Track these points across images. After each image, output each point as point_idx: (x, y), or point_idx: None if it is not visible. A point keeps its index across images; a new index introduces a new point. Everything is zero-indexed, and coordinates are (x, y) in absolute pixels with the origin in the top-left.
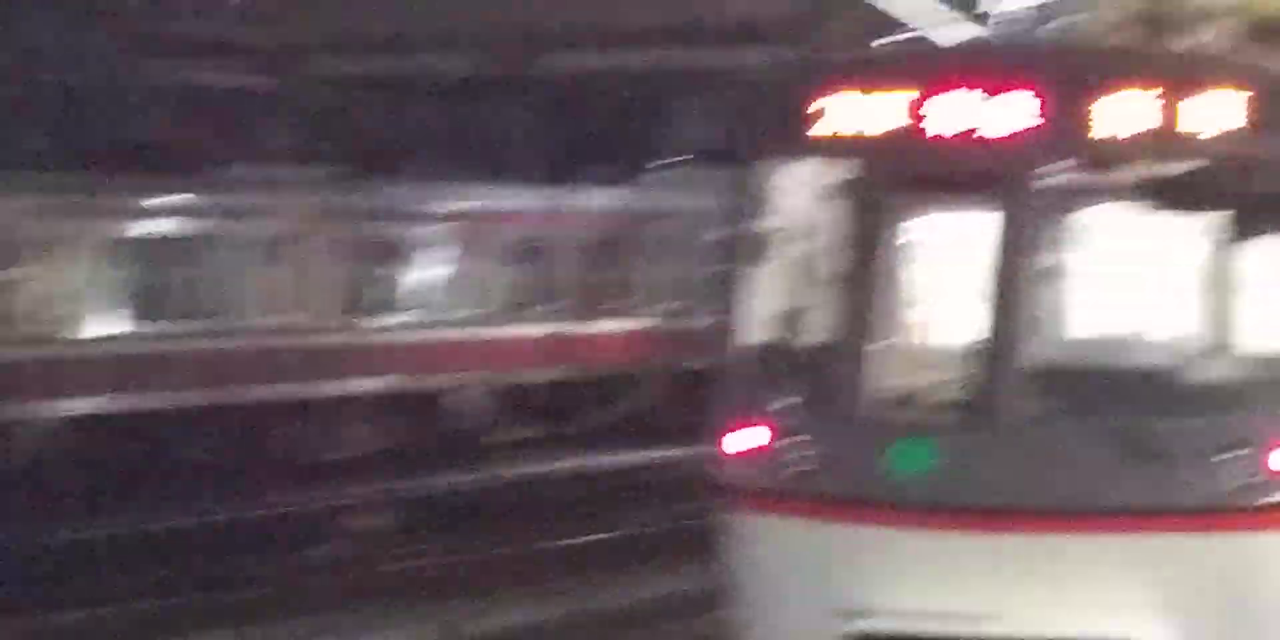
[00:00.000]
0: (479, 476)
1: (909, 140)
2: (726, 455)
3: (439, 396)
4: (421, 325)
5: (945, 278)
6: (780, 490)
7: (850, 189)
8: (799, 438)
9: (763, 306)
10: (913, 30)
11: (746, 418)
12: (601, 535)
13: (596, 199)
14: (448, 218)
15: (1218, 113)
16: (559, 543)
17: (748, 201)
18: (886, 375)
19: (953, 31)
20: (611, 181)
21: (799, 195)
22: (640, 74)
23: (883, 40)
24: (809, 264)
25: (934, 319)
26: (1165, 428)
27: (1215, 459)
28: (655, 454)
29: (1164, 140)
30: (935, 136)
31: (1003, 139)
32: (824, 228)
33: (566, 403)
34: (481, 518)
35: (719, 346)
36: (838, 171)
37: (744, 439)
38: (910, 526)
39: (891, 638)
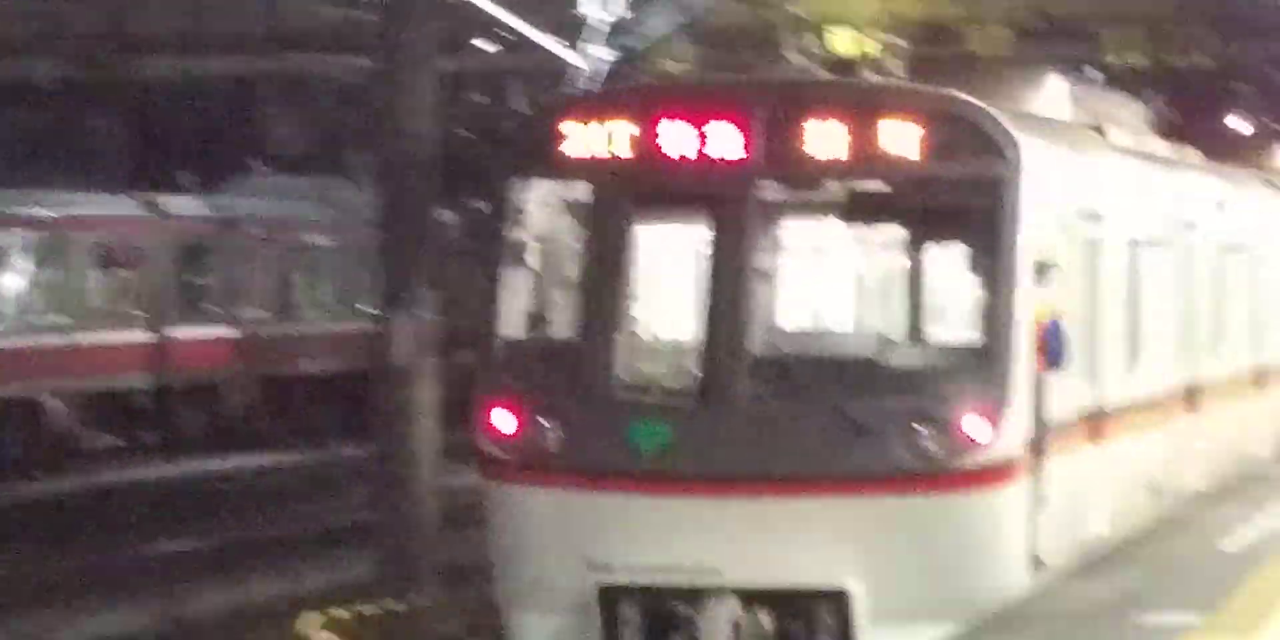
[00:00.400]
0: (68, 484)
1: (637, 163)
2: (489, 434)
3: (25, 404)
4: (3, 332)
5: (673, 280)
6: (536, 464)
7: (590, 203)
8: (552, 418)
9: (517, 305)
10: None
11: (506, 401)
12: (191, 542)
13: (186, 205)
14: (30, 224)
15: (898, 136)
16: (148, 550)
17: (505, 214)
18: (626, 364)
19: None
20: (201, 188)
21: (547, 208)
22: (231, 80)
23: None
24: (557, 268)
25: (665, 316)
26: (864, 406)
27: (908, 432)
28: (246, 461)
29: (851, 161)
30: (659, 160)
31: (715, 161)
32: (569, 237)
33: (157, 409)
34: (70, 526)
35: (481, 339)
36: (580, 189)
37: (504, 420)
38: (647, 493)
39: (631, 588)
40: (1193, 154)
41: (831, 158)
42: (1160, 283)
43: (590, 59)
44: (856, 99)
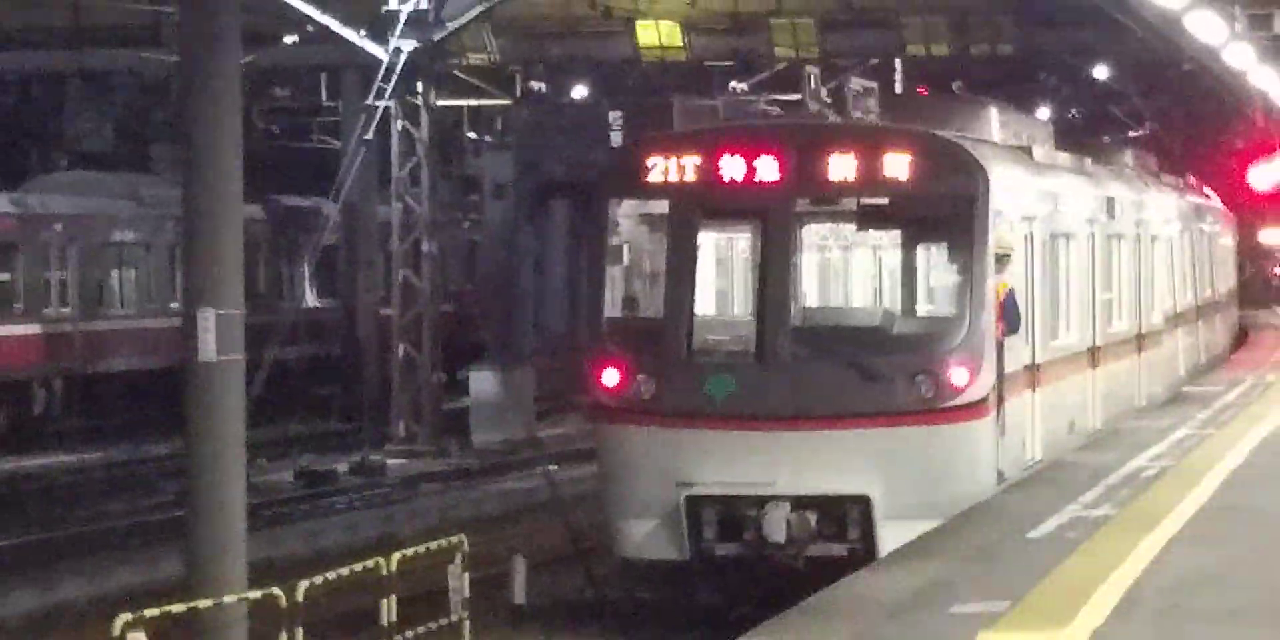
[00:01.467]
0: None
1: (704, 185)
2: (600, 388)
3: None
4: None
5: (732, 271)
6: (636, 409)
7: (668, 216)
8: (647, 376)
9: (615, 292)
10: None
11: (612, 364)
12: None
13: None
14: None
15: (895, 163)
16: None
17: (603, 224)
18: (699, 334)
19: None
20: (2, 184)
21: (635, 220)
22: (33, 76)
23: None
24: (643, 264)
25: (726, 298)
26: (876, 362)
27: (909, 381)
28: (53, 459)
29: (861, 183)
30: (720, 183)
31: (761, 184)
32: (652, 241)
33: None
34: None
35: (589, 318)
36: (660, 205)
37: (611, 378)
38: (719, 429)
39: (709, 498)
40: (1087, 161)
41: (846, 180)
42: (1071, 267)
43: (392, 51)
44: (864, 136)
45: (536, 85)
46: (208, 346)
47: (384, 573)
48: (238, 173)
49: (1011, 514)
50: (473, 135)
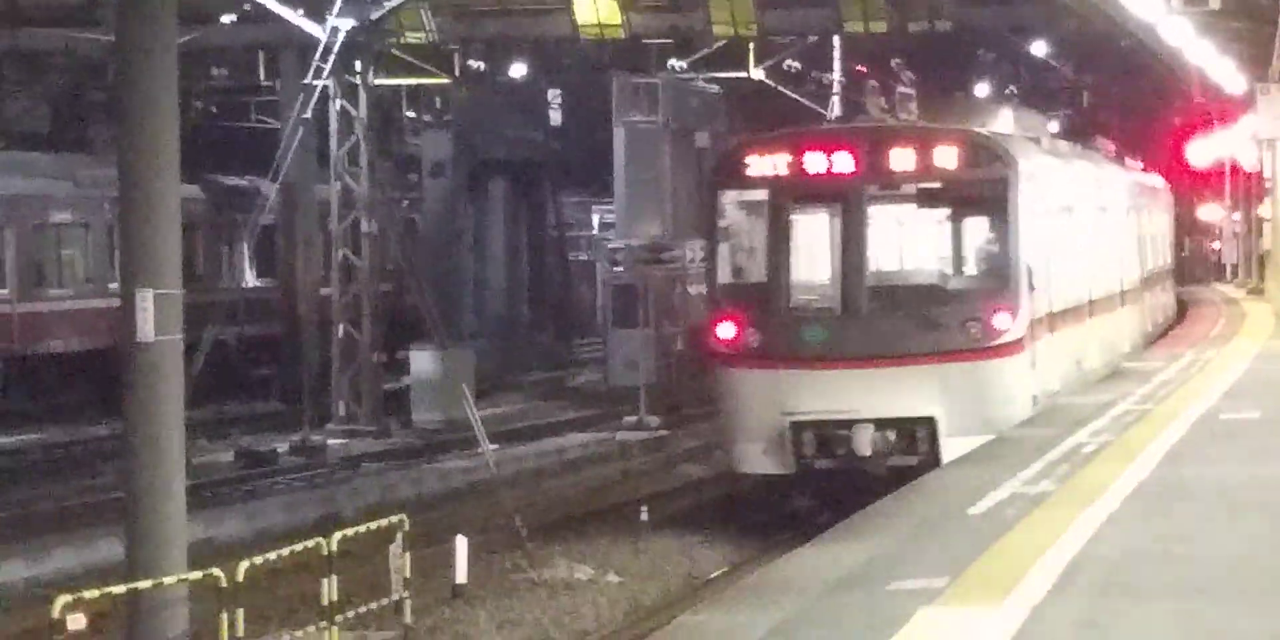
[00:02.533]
0: None
1: (793, 177)
2: (718, 339)
3: None
4: None
5: (819, 244)
6: (748, 355)
7: (766, 201)
8: (756, 328)
9: (727, 263)
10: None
11: (727, 319)
12: None
13: None
14: None
15: (945, 155)
16: None
17: (717, 209)
18: (795, 294)
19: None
20: None
21: (740, 206)
22: None
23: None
24: (749, 240)
25: (816, 265)
26: (936, 312)
27: (963, 326)
28: None
29: (917, 172)
30: (806, 174)
31: (839, 175)
32: (754, 222)
33: None
34: None
35: (707, 283)
36: (760, 194)
37: (727, 330)
38: (814, 369)
39: (809, 423)
40: (1077, 147)
41: (905, 169)
42: (1071, 236)
43: (330, 30)
44: (917, 135)
45: (475, 64)
46: (146, 327)
47: (325, 553)
48: (175, 153)
49: (951, 490)
50: (411, 114)
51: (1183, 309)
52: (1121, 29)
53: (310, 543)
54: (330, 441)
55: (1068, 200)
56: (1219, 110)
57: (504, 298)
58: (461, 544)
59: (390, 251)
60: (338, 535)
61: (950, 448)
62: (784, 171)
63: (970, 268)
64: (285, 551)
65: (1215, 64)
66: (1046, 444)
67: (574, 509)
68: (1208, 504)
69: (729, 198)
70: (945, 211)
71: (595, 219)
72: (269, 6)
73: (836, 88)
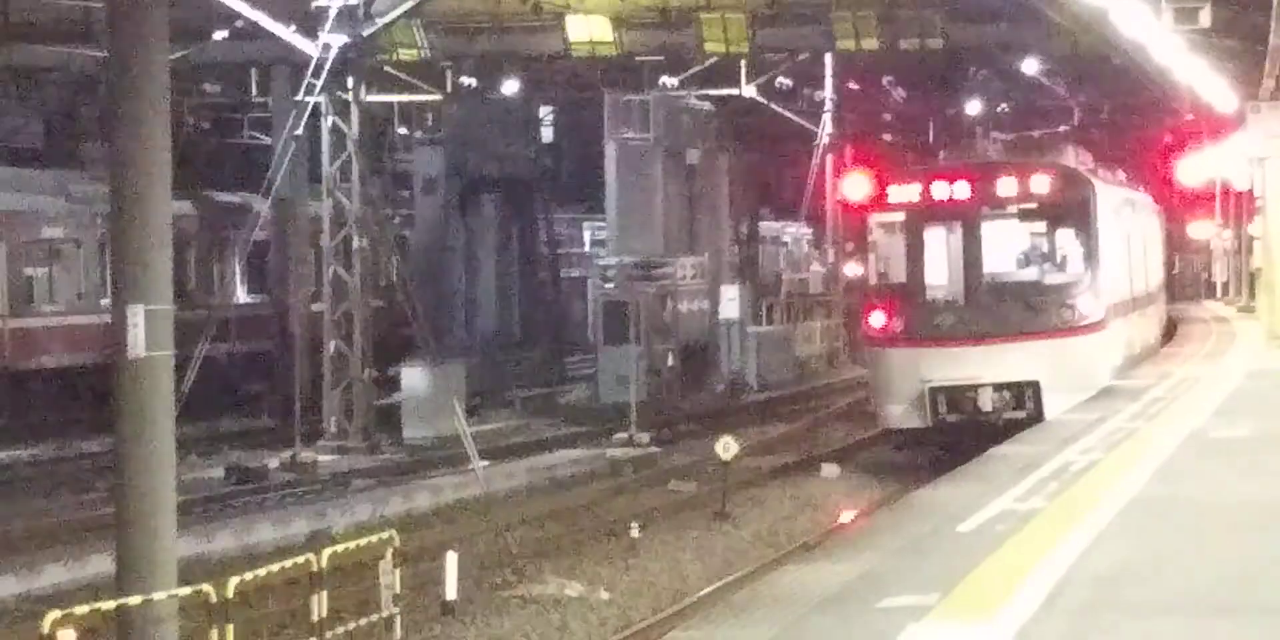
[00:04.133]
0: None
1: (924, 202)
2: (871, 326)
3: None
4: None
5: (945, 252)
6: (895, 337)
7: (903, 221)
8: (900, 316)
9: (875, 269)
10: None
11: (879, 309)
12: None
13: None
14: None
15: (1040, 182)
16: None
17: (866, 230)
18: (929, 291)
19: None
20: None
21: (883, 225)
22: None
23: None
24: (891, 252)
25: (944, 269)
26: (1039, 301)
27: (1059, 311)
28: None
29: (1020, 196)
30: (934, 199)
31: (961, 199)
32: (895, 237)
33: None
34: None
35: (863, 286)
36: (898, 215)
37: (879, 319)
38: (946, 346)
39: (942, 387)
40: (1117, 173)
41: (1011, 195)
42: (1123, 246)
43: (322, 46)
44: (1018, 167)
45: (467, 80)
46: (137, 342)
47: (315, 569)
48: (167, 169)
49: (942, 507)
50: (403, 131)
51: (1172, 326)
52: (1112, 48)
53: (300, 559)
54: (321, 458)
55: (1120, 218)
56: (1210, 128)
57: (495, 314)
58: (451, 560)
59: (382, 268)
60: (328, 551)
61: (1050, 404)
62: (916, 198)
63: (1061, 267)
64: (275, 568)
65: (1206, 82)
66: (1036, 461)
67: (564, 525)
68: (1198, 521)
69: (875, 220)
70: (1040, 225)
71: (587, 235)
72: (261, 23)
73: (828, 105)
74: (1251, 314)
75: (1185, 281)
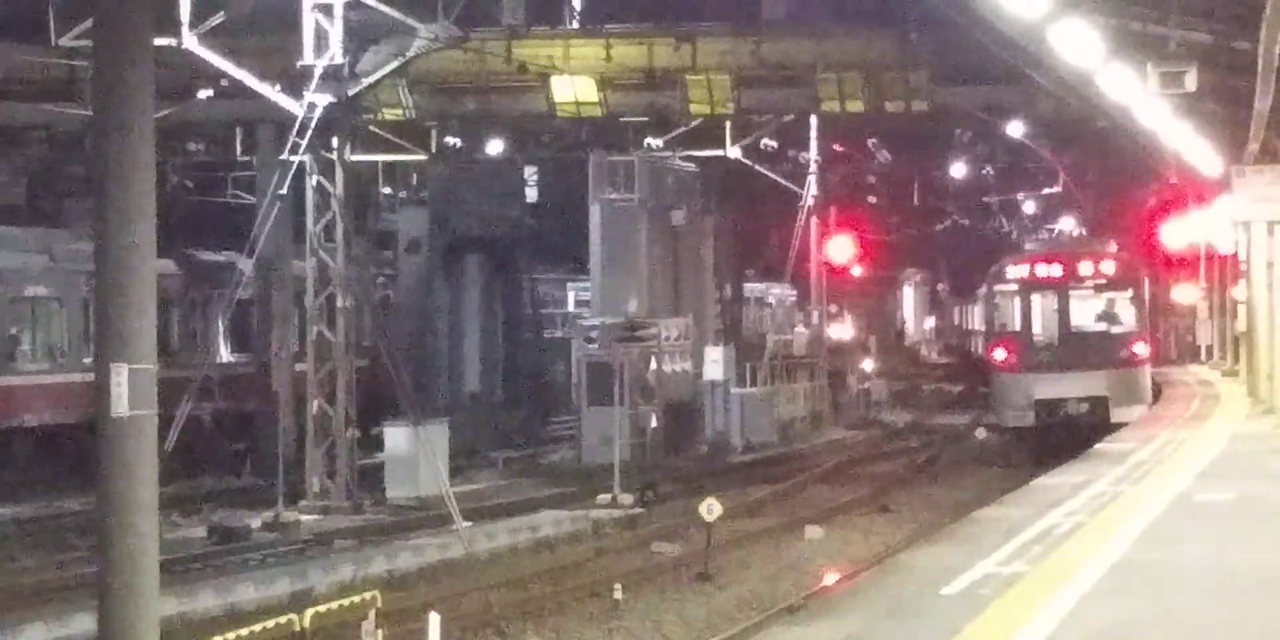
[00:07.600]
0: None
1: (1031, 276)
2: (993, 359)
3: None
4: None
5: (1044, 311)
6: (1014, 366)
7: (1016, 290)
8: (1017, 351)
9: (998, 323)
10: None
11: (1002, 347)
12: None
13: None
14: None
15: (1108, 265)
16: None
17: (992, 297)
18: (1036, 335)
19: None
20: None
21: (1004, 293)
22: None
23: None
24: (1008, 310)
25: (1044, 321)
26: (1107, 345)
27: (1120, 351)
28: None
29: (1094, 274)
30: (1037, 275)
31: (1053, 276)
32: (1012, 301)
33: None
34: None
35: (988, 335)
36: (1014, 285)
37: (1001, 354)
38: (1048, 374)
39: (1045, 400)
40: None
41: (1087, 274)
42: (1141, 306)
43: (307, 106)
44: (1092, 253)
45: (451, 140)
46: (120, 401)
47: (298, 629)
48: (151, 227)
49: (926, 570)
50: (388, 190)
51: (1157, 389)
52: (1098, 110)
53: (283, 619)
54: (303, 517)
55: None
56: (1195, 192)
57: (479, 374)
58: (435, 621)
59: (366, 327)
60: (310, 611)
61: (1116, 414)
62: (1025, 274)
63: (1120, 321)
64: (258, 627)
65: (1191, 146)
66: (1019, 525)
67: (548, 586)
68: (1182, 585)
69: (997, 289)
70: (1108, 294)
71: (570, 296)
72: (246, 82)
73: (813, 166)
74: (1236, 377)
75: (1168, 344)
